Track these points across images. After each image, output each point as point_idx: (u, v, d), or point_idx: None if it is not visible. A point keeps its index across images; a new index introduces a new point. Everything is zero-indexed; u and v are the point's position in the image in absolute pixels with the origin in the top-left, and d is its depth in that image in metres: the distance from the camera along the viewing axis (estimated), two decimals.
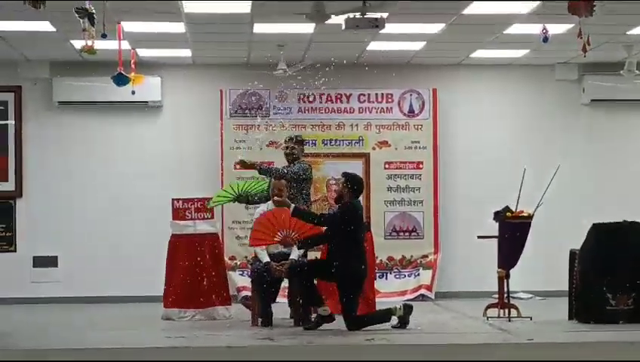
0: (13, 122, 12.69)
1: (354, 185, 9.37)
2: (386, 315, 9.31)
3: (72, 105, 12.65)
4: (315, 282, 9.90)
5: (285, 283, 10.45)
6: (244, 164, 10.20)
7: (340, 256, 9.20)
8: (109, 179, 12.71)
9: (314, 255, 11.53)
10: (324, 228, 9.42)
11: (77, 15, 8.33)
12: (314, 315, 9.56)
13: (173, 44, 11.69)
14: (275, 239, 9.43)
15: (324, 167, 12.66)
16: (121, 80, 10.22)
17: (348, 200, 9.34)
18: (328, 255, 9.43)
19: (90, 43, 8.64)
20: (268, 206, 10.00)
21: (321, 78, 12.33)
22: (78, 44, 11.24)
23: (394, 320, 9.28)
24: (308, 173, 10.28)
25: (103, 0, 8.47)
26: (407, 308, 9.29)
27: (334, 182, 12.63)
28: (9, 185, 12.64)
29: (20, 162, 12.67)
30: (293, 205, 9.32)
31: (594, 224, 9.87)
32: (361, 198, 12.48)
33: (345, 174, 9.49)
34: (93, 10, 8.39)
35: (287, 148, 10.37)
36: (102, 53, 9.95)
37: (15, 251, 12.67)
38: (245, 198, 10.27)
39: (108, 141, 12.80)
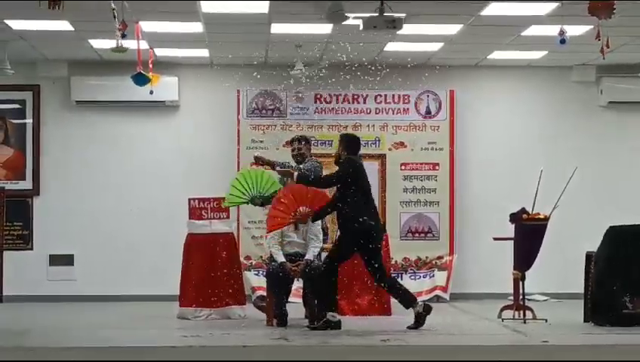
0: (32, 121, 12.76)
1: (349, 143, 9.37)
2: (411, 300, 9.29)
3: (89, 105, 12.71)
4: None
5: (299, 284, 10.46)
6: (259, 161, 10.21)
7: (351, 214, 9.10)
8: (126, 178, 12.75)
9: None
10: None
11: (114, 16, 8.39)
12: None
13: (190, 44, 11.73)
14: (291, 220, 9.43)
15: None
16: (141, 79, 10.25)
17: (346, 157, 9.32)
18: (339, 219, 9.27)
19: (120, 43, 8.72)
20: None
21: (338, 79, 12.35)
22: (96, 43, 11.31)
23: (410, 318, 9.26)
24: (319, 171, 10.30)
25: (123, 0, 8.51)
26: (427, 308, 9.23)
27: None
28: (26, 184, 12.71)
29: (37, 160, 12.74)
30: (296, 172, 9.38)
31: (610, 226, 9.82)
32: (376, 199, 12.66)
33: (340, 135, 9.63)
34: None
35: (294, 149, 10.35)
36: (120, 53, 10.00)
37: (32, 249, 12.72)
38: (260, 201, 10.20)
39: (125, 140, 12.84)
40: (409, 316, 9.39)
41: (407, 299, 9.29)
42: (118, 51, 9.15)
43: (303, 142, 10.26)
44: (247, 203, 10.25)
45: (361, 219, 9.08)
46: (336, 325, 9.27)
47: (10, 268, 12.41)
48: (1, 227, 9.17)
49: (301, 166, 10.19)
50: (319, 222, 10.08)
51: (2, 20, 10.43)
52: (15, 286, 12.32)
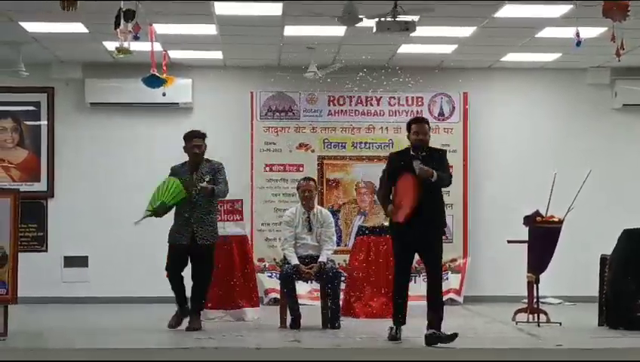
0: (46, 123, 12.80)
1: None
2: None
3: (103, 106, 12.73)
4: None
5: (312, 286, 10.49)
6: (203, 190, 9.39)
7: (442, 205, 8.76)
8: (140, 179, 12.71)
9: (342, 258, 11.57)
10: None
11: (125, 19, 8.34)
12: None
13: (204, 46, 11.75)
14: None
15: (353, 170, 12.66)
16: (154, 81, 10.25)
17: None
18: (440, 214, 8.72)
19: (126, 44, 8.69)
20: (297, 208, 10.04)
21: (352, 81, 12.35)
22: (110, 45, 11.33)
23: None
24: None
25: (136, 0, 8.52)
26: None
27: (364, 185, 12.66)
28: (41, 186, 12.75)
29: (51, 162, 12.77)
30: (436, 172, 8.42)
31: (625, 230, 9.80)
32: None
33: (423, 118, 8.83)
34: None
35: (197, 146, 9.50)
36: (133, 55, 10.00)
37: (46, 251, 12.76)
38: (164, 210, 9.52)
39: (139, 142, 12.86)
40: (422, 319, 9.35)
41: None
42: (123, 52, 9.06)
43: (204, 139, 9.60)
44: (154, 215, 9.64)
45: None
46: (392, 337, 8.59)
47: (24, 269, 12.40)
48: (16, 229, 9.17)
49: (220, 179, 9.45)
50: (333, 224, 10.10)
51: (17, 22, 10.47)
52: (30, 288, 12.29)
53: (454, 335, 8.27)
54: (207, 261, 9.53)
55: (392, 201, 8.53)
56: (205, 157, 9.61)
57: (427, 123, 8.75)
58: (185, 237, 9.49)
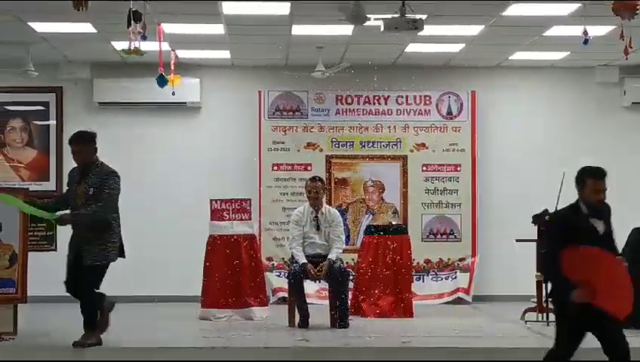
0: (55, 122, 12.82)
1: None
2: None
3: (112, 106, 12.75)
4: None
5: (321, 285, 10.48)
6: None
7: None
8: (148, 179, 12.78)
9: (350, 257, 11.56)
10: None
11: (134, 20, 8.32)
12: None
13: (212, 46, 11.76)
14: None
15: (361, 169, 12.65)
16: (161, 81, 10.28)
17: None
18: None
19: (135, 45, 8.70)
20: (305, 207, 10.03)
21: (359, 80, 12.35)
22: (118, 45, 11.35)
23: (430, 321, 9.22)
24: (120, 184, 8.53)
25: (144, 0, 8.53)
26: None
27: (372, 183, 12.66)
28: (50, 185, 12.77)
29: (60, 162, 12.78)
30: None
31: (635, 228, 9.78)
32: (398, 201, 12.68)
33: (604, 172, 7.21)
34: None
35: (73, 152, 8.39)
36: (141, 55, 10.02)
37: (56, 250, 12.73)
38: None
39: (147, 141, 12.87)
40: (430, 319, 9.38)
41: None
42: (134, 53, 9.03)
43: (84, 141, 8.46)
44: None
45: None
46: None
47: (34, 268, 12.44)
48: (25, 228, 9.22)
49: (107, 187, 8.43)
50: (342, 223, 10.10)
51: (26, 22, 10.49)
52: (39, 287, 12.33)
53: None
54: (83, 281, 8.56)
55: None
56: (102, 160, 8.59)
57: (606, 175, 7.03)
58: (71, 252, 8.71)
